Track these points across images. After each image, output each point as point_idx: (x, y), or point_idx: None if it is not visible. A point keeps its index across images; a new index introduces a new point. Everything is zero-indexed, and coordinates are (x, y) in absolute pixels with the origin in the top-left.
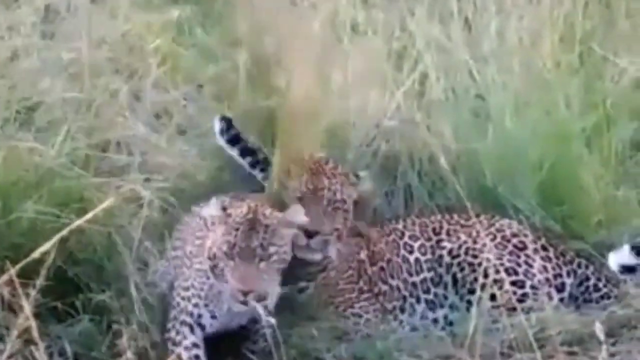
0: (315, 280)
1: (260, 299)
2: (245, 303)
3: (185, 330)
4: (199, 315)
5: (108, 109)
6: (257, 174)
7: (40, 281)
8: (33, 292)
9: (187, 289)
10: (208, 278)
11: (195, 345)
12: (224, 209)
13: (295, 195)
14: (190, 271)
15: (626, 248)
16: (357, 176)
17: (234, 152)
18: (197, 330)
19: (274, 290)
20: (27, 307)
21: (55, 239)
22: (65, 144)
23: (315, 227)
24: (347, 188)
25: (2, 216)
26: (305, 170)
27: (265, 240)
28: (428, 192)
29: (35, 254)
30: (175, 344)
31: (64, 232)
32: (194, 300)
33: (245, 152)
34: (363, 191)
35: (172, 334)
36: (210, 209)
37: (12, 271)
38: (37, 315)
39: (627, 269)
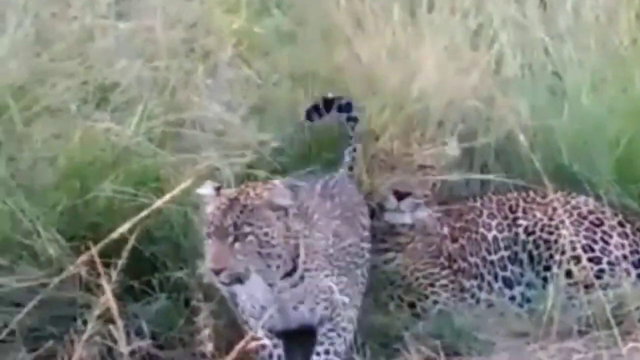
0: (404, 252)
1: (234, 279)
2: (224, 283)
3: (252, 320)
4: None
5: (183, 88)
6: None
7: (121, 261)
8: (114, 273)
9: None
10: None
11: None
12: (217, 188)
13: (385, 158)
14: None
15: None
16: (444, 143)
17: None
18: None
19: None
20: (108, 288)
21: (137, 219)
22: (142, 123)
23: (406, 189)
24: (436, 154)
25: (80, 196)
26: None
27: (240, 219)
28: (505, 169)
29: (115, 234)
30: (250, 327)
31: (145, 213)
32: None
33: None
34: (451, 156)
35: (245, 317)
36: (203, 188)
37: (94, 250)
38: (115, 295)
39: None
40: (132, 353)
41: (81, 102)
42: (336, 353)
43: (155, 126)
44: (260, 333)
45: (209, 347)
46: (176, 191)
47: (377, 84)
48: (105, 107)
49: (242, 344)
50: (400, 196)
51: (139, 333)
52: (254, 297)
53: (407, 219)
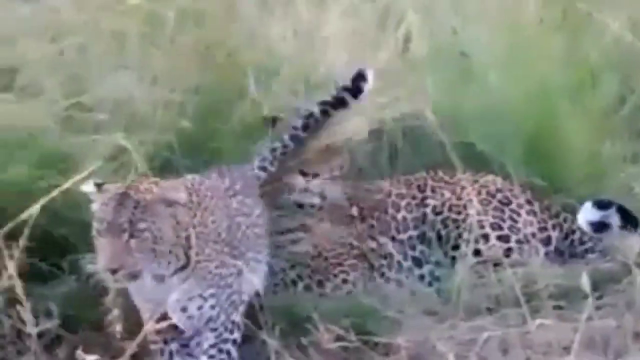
0: (312, 232)
1: (132, 277)
2: (119, 282)
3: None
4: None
5: (86, 68)
6: None
7: (23, 241)
8: (17, 252)
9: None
10: None
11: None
12: (99, 185)
13: None
14: None
15: (588, 205)
16: None
17: None
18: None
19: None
20: (11, 266)
21: (43, 202)
22: (46, 104)
23: (314, 169)
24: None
25: None
26: None
27: (135, 216)
28: (413, 148)
29: (24, 216)
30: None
31: (53, 194)
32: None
33: None
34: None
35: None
36: (85, 185)
37: None
38: (22, 276)
39: (597, 226)
40: (41, 335)
41: None
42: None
43: (60, 107)
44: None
45: (118, 328)
46: (85, 174)
47: (283, 64)
48: (9, 88)
49: (151, 324)
50: (308, 176)
51: (48, 314)
52: (145, 295)
53: (315, 199)
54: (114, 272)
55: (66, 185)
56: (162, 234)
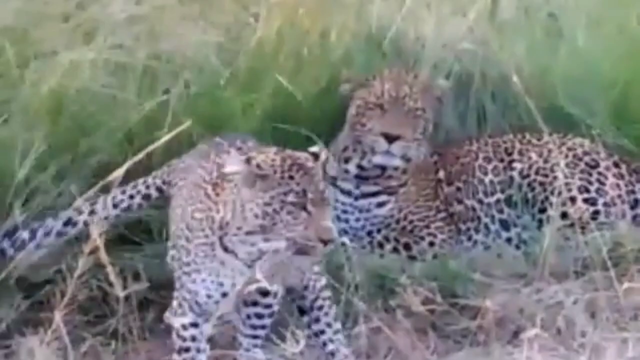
0: (396, 195)
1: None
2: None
3: (186, 307)
4: (196, 293)
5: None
6: None
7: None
8: None
9: (187, 264)
10: (213, 250)
11: (193, 325)
12: (247, 160)
13: (376, 101)
14: (191, 245)
15: None
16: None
17: None
18: (196, 309)
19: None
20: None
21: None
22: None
23: (396, 132)
24: (427, 97)
25: None
26: (385, 78)
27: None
28: (501, 112)
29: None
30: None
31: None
32: (193, 276)
33: None
34: (442, 100)
35: (175, 305)
36: (231, 165)
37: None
38: (108, 240)
39: None
40: (127, 297)
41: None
42: None
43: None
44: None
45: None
46: None
47: (372, 26)
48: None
49: (238, 288)
50: (390, 139)
51: (136, 278)
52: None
53: (397, 162)
54: (326, 243)
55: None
56: None
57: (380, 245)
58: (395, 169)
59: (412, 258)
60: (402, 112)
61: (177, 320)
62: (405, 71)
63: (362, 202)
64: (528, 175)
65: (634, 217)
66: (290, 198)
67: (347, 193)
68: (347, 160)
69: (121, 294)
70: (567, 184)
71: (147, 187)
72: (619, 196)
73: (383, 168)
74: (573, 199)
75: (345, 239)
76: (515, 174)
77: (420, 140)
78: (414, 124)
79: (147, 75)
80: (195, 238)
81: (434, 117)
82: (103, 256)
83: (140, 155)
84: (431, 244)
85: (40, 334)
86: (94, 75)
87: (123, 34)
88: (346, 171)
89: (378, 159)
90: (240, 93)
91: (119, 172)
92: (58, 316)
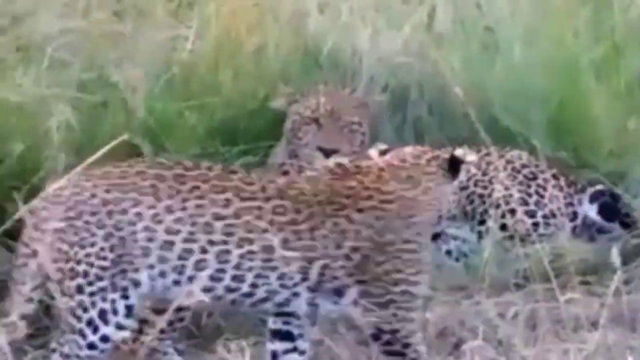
0: None
1: None
2: None
3: None
4: None
5: None
6: None
7: None
8: None
9: None
10: None
11: None
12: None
13: (312, 116)
14: None
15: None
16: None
17: None
18: None
19: None
20: None
21: None
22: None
23: (333, 146)
24: (362, 112)
25: None
26: (321, 93)
27: None
28: (438, 124)
29: None
30: None
31: None
32: None
33: None
34: (377, 115)
35: None
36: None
37: None
38: None
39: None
40: None
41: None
42: None
43: None
44: None
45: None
46: None
47: (309, 40)
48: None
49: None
50: (327, 153)
51: None
52: None
53: None
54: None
55: None
56: None
57: None
58: None
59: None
60: (338, 126)
61: None
62: (341, 85)
63: None
64: (467, 187)
65: (573, 229)
66: None
67: None
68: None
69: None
70: (506, 196)
71: None
72: (558, 208)
73: None
74: (512, 211)
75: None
76: None
77: (357, 154)
78: (351, 138)
79: (82, 88)
80: None
81: (370, 131)
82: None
83: (81, 167)
84: None
85: None
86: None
87: (58, 48)
88: None
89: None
90: (175, 105)
91: (61, 183)
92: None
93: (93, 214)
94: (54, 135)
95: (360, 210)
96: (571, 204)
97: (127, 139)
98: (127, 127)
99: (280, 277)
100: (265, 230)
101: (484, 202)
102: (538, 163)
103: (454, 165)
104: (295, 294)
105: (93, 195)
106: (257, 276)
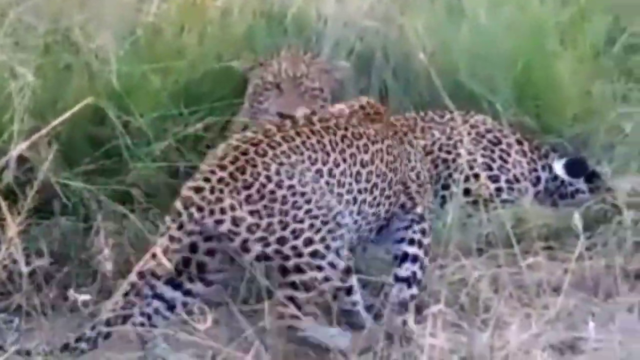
0: None
1: None
2: None
3: None
4: None
5: None
6: None
7: (28, 201)
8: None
9: None
10: None
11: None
12: None
13: (273, 81)
14: None
15: (559, 164)
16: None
17: None
18: None
19: None
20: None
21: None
22: None
23: (291, 111)
24: (325, 77)
25: None
26: (283, 58)
27: None
28: (403, 89)
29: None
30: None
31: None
32: None
33: None
34: (341, 80)
35: None
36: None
37: None
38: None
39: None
40: (32, 273)
41: None
42: None
43: None
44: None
45: (108, 267)
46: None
47: (274, 3)
48: None
49: (140, 263)
50: (283, 117)
51: (39, 254)
52: None
53: None
54: None
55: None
56: None
57: None
58: None
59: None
60: (298, 92)
61: None
62: (305, 51)
63: None
64: (431, 152)
65: (536, 194)
66: None
67: None
68: None
69: (25, 269)
70: (469, 160)
71: None
72: (522, 173)
73: None
74: (476, 176)
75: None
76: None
77: None
78: (311, 104)
79: (49, 53)
80: None
81: (334, 96)
82: (13, 233)
83: (45, 130)
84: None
85: None
86: None
87: (23, 11)
88: None
89: None
90: (140, 67)
91: (21, 147)
92: None
93: None
94: (16, 98)
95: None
96: (535, 170)
97: (92, 103)
98: (92, 90)
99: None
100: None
101: (448, 167)
102: (502, 128)
103: None
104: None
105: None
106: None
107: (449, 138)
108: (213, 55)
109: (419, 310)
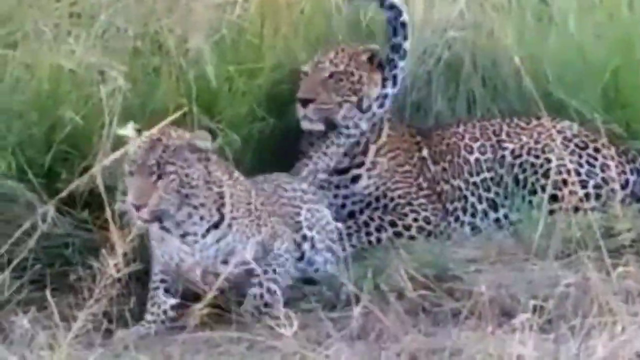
0: (370, 170)
1: (155, 216)
2: (142, 220)
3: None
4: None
5: None
6: None
7: None
8: None
9: None
10: None
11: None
12: (138, 130)
13: (304, 70)
14: None
15: None
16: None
17: None
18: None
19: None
20: None
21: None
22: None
23: (307, 95)
24: (357, 60)
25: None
26: (321, 50)
27: (163, 159)
28: (491, 97)
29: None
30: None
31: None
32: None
33: None
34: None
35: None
36: (124, 130)
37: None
38: None
39: None
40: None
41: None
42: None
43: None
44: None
45: (197, 271)
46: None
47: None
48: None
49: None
50: (303, 103)
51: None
52: (168, 254)
53: (317, 126)
54: (138, 208)
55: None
56: (191, 180)
57: (366, 224)
58: (348, 137)
59: (398, 235)
60: (318, 76)
61: None
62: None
63: (336, 178)
64: (520, 156)
65: (624, 198)
66: (126, 166)
67: None
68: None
69: (116, 275)
70: (557, 165)
71: None
72: (610, 177)
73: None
74: (564, 181)
75: (339, 224)
76: (507, 153)
77: (348, 103)
78: (334, 87)
79: (138, 56)
80: None
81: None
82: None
83: (145, 135)
84: (415, 220)
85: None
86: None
87: (113, 14)
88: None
89: (301, 124)
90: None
91: (112, 156)
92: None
93: None
94: (107, 102)
95: None
96: (623, 172)
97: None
98: (179, 93)
99: None
100: None
101: (535, 172)
102: (588, 133)
103: None
104: None
105: None
106: None
107: (537, 142)
108: (292, 57)
109: (505, 316)
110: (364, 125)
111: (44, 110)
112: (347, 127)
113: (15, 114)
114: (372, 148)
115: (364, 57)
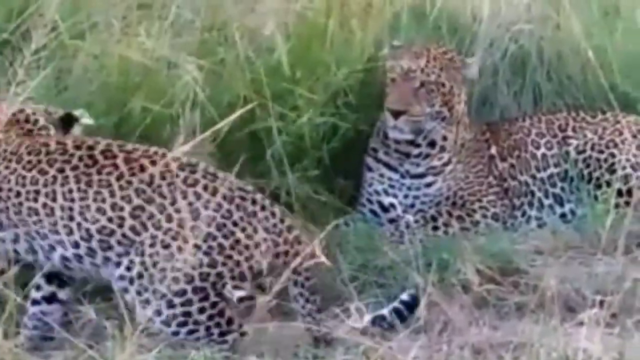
0: (443, 174)
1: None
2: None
3: None
4: None
5: None
6: None
7: None
8: None
9: None
10: None
11: None
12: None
13: (392, 75)
14: None
15: None
16: (463, 62)
17: None
18: None
19: None
20: None
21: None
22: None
23: (400, 107)
24: (448, 71)
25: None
26: (405, 51)
27: None
28: (556, 90)
29: None
30: None
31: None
32: None
33: None
34: (469, 76)
35: None
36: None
37: None
38: None
39: None
40: None
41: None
42: None
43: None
44: None
45: (264, 264)
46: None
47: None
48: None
49: (297, 260)
50: (395, 114)
51: None
52: None
53: (408, 136)
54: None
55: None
56: None
57: (434, 219)
58: (432, 145)
59: (465, 230)
60: (410, 86)
61: None
62: (437, 44)
63: (410, 181)
64: (584, 151)
65: None
66: None
67: (393, 169)
68: (384, 134)
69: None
70: (622, 160)
71: None
72: None
73: (397, 142)
74: (628, 177)
75: (409, 216)
76: (571, 149)
77: (440, 114)
78: (426, 98)
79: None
80: None
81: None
82: None
83: (211, 131)
84: (484, 216)
85: None
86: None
87: (182, 5)
88: (385, 144)
89: (390, 133)
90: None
91: (184, 148)
92: None
93: None
94: (180, 94)
95: None
96: None
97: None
98: (245, 84)
99: None
100: None
101: (600, 167)
102: None
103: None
104: None
105: None
106: None
107: (602, 138)
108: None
109: (571, 310)
110: (451, 136)
111: (113, 101)
112: (434, 138)
113: (84, 104)
114: (450, 157)
115: (458, 69)
